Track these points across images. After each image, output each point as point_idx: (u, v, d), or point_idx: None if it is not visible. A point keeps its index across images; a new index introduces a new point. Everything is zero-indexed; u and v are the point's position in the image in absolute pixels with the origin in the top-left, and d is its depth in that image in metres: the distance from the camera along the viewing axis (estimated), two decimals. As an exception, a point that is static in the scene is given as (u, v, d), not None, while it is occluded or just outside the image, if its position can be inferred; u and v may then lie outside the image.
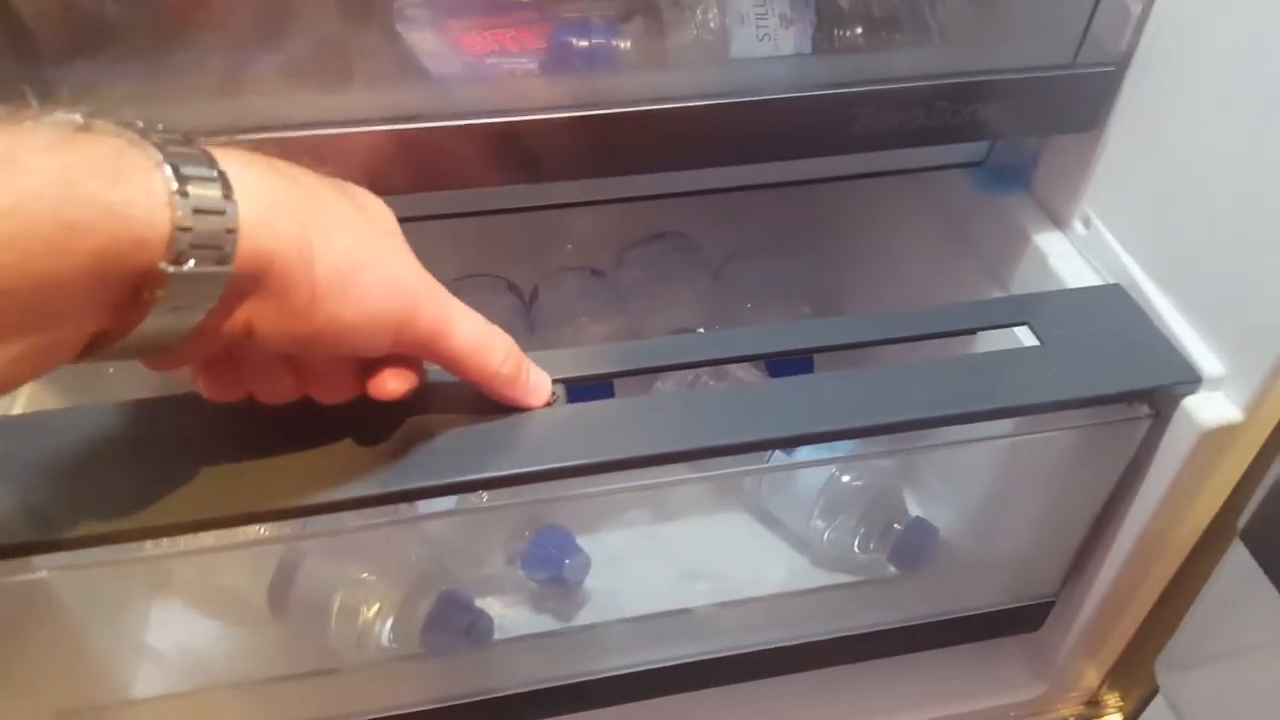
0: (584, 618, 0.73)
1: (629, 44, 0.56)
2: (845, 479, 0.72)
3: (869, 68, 0.56)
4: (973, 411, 0.51)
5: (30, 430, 0.48)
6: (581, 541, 0.73)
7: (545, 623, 0.73)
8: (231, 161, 0.34)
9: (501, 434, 0.49)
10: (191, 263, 0.32)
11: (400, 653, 0.69)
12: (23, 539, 0.44)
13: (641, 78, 0.56)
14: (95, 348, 0.34)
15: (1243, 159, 0.50)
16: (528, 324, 0.92)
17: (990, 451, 0.66)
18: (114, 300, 0.32)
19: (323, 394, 0.44)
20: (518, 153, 0.53)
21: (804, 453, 0.67)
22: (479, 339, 0.46)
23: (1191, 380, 0.52)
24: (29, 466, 0.45)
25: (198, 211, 0.32)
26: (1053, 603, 0.66)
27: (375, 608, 0.70)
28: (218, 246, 0.33)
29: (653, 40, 0.56)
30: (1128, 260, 0.58)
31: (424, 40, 0.54)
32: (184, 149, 0.33)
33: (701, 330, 0.87)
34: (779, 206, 0.79)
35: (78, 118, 0.32)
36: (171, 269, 0.32)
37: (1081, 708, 0.73)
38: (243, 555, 0.70)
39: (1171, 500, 0.54)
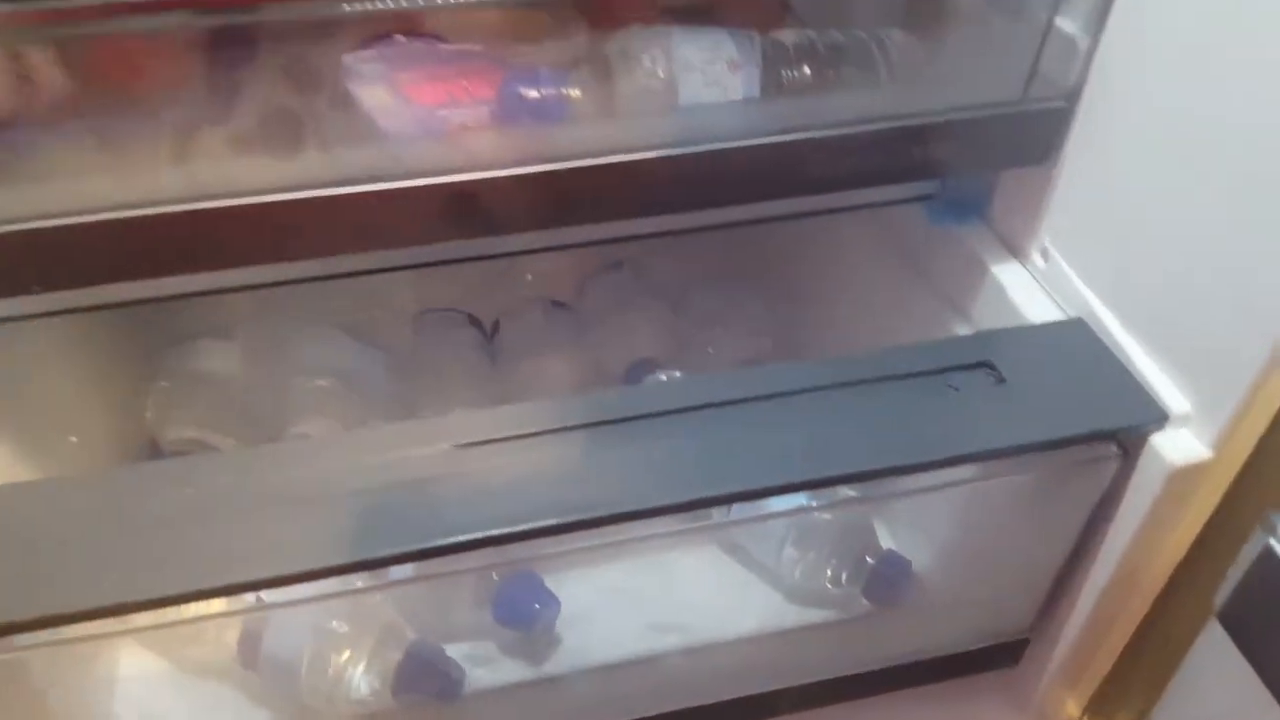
0: (555, 662, 0.72)
1: (578, 92, 0.55)
2: (810, 502, 0.71)
3: (818, 111, 0.55)
4: (936, 460, 0.50)
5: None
6: (550, 582, 0.72)
7: (517, 669, 0.72)
8: None
9: (463, 489, 0.48)
10: None
11: (374, 705, 0.67)
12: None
13: (592, 129, 0.55)
14: None
15: (1196, 190, 0.50)
16: (490, 357, 0.91)
17: (957, 490, 0.66)
18: None
19: None
20: (472, 210, 0.52)
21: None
22: None
23: (1158, 418, 0.52)
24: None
25: None
26: (1028, 639, 0.66)
27: (345, 655, 0.69)
28: None
29: (601, 89, 0.55)
30: (1088, 293, 0.57)
31: (375, 95, 0.53)
32: None
33: (658, 366, 0.86)
34: (736, 240, 0.78)
35: None
36: None
37: (1063, 739, 0.73)
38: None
39: (1143, 537, 0.54)
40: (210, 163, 0.51)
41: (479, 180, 0.51)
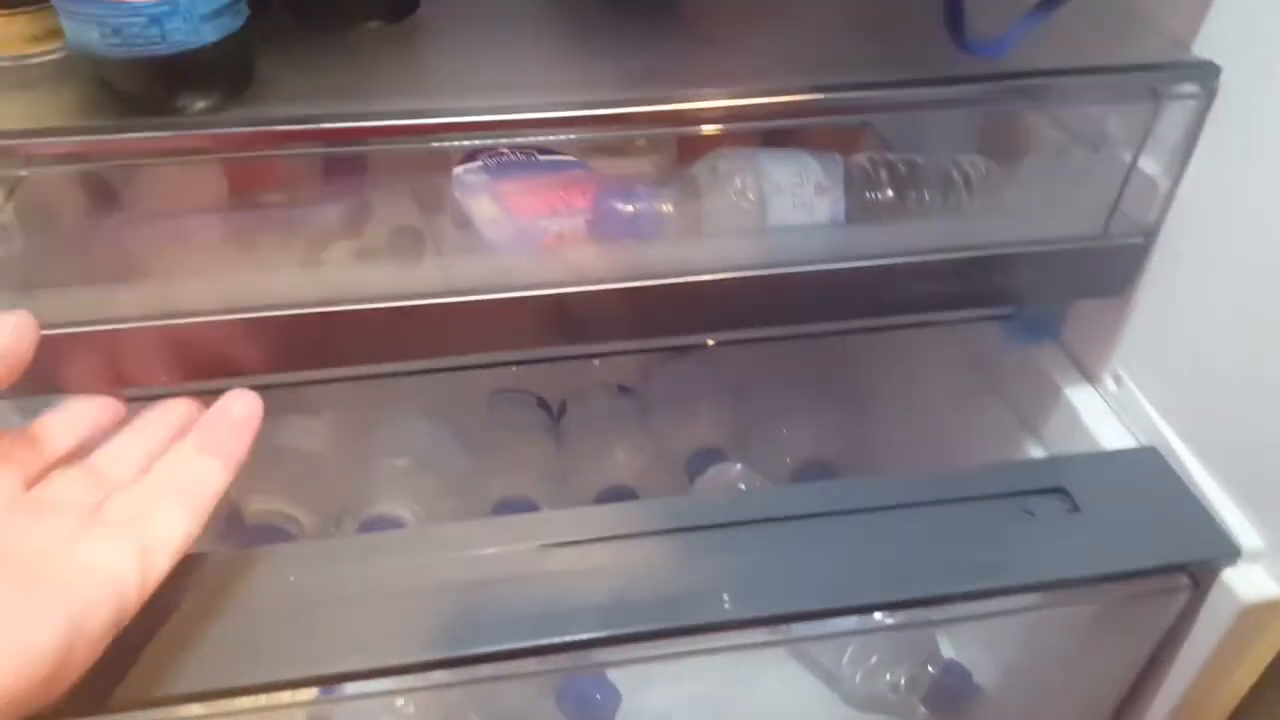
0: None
1: (670, 207, 0.57)
2: (878, 616, 0.72)
3: (901, 236, 0.57)
4: (1009, 586, 0.51)
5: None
6: (612, 673, 0.74)
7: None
8: None
9: (548, 590, 0.50)
10: None
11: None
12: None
13: (683, 246, 0.57)
14: None
15: (1272, 328, 0.51)
16: (556, 439, 0.93)
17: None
18: None
19: None
20: (568, 320, 0.54)
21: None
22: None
23: (1230, 553, 0.53)
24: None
25: None
26: (1090, 762, 0.66)
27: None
28: None
29: (691, 206, 0.57)
30: (1161, 422, 0.59)
31: (481, 206, 0.56)
32: None
33: (721, 457, 0.88)
34: (806, 340, 0.81)
35: None
36: None
37: None
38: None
39: (1209, 671, 0.55)
40: (340, 271, 0.55)
41: (576, 293, 0.53)
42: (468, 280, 0.52)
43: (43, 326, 0.47)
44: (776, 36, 0.57)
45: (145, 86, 0.44)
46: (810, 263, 0.55)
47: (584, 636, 0.48)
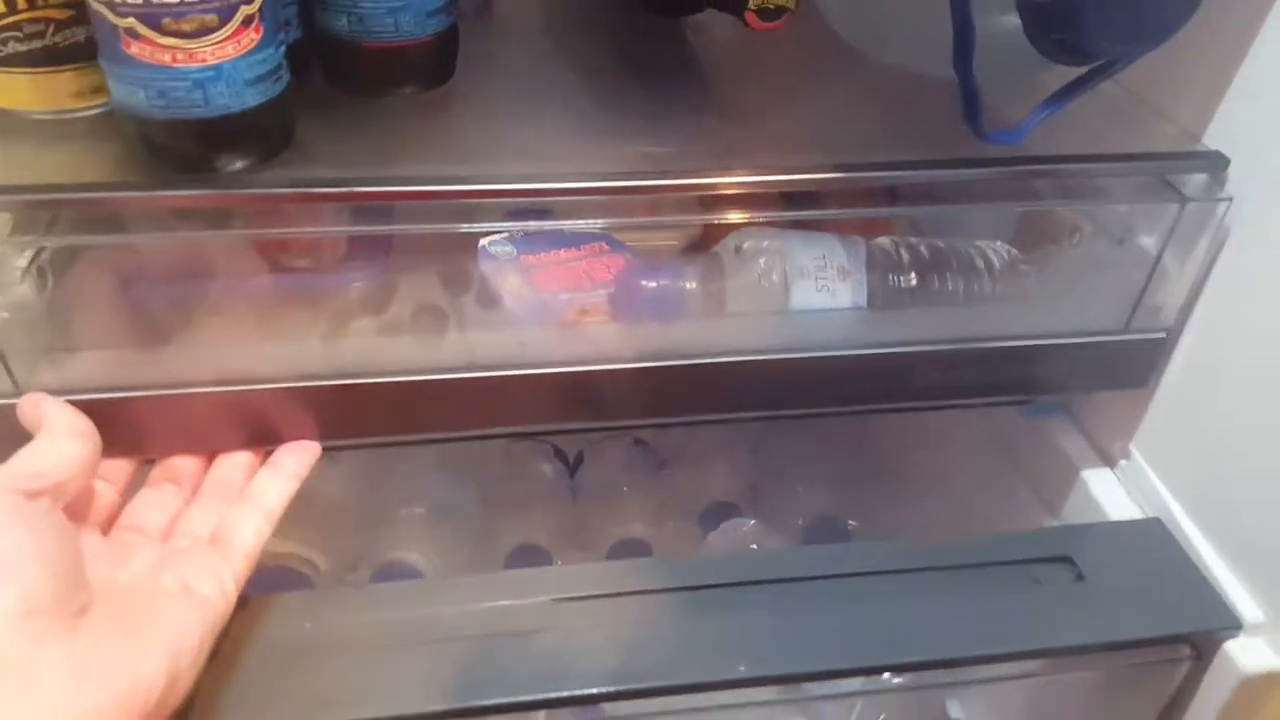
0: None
1: (694, 285, 0.58)
2: (886, 677, 0.72)
3: (924, 324, 0.58)
4: (1014, 652, 0.52)
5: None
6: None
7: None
8: None
9: (559, 644, 0.51)
10: None
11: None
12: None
13: (705, 329, 0.58)
14: None
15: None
16: (572, 491, 0.94)
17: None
18: None
19: None
20: (590, 398, 0.55)
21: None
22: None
23: (1232, 625, 0.53)
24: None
25: None
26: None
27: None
28: None
29: (714, 284, 0.58)
30: (1166, 495, 0.59)
31: (505, 279, 0.58)
32: None
33: (734, 511, 0.88)
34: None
35: None
36: None
37: None
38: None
39: (1211, 742, 0.55)
40: (363, 345, 0.56)
41: (597, 371, 0.54)
42: (489, 355, 0.54)
43: (61, 390, 0.48)
44: (802, 116, 0.59)
45: (186, 146, 0.45)
46: (832, 348, 0.56)
47: (594, 691, 0.49)
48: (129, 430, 0.51)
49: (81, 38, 0.47)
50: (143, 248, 0.57)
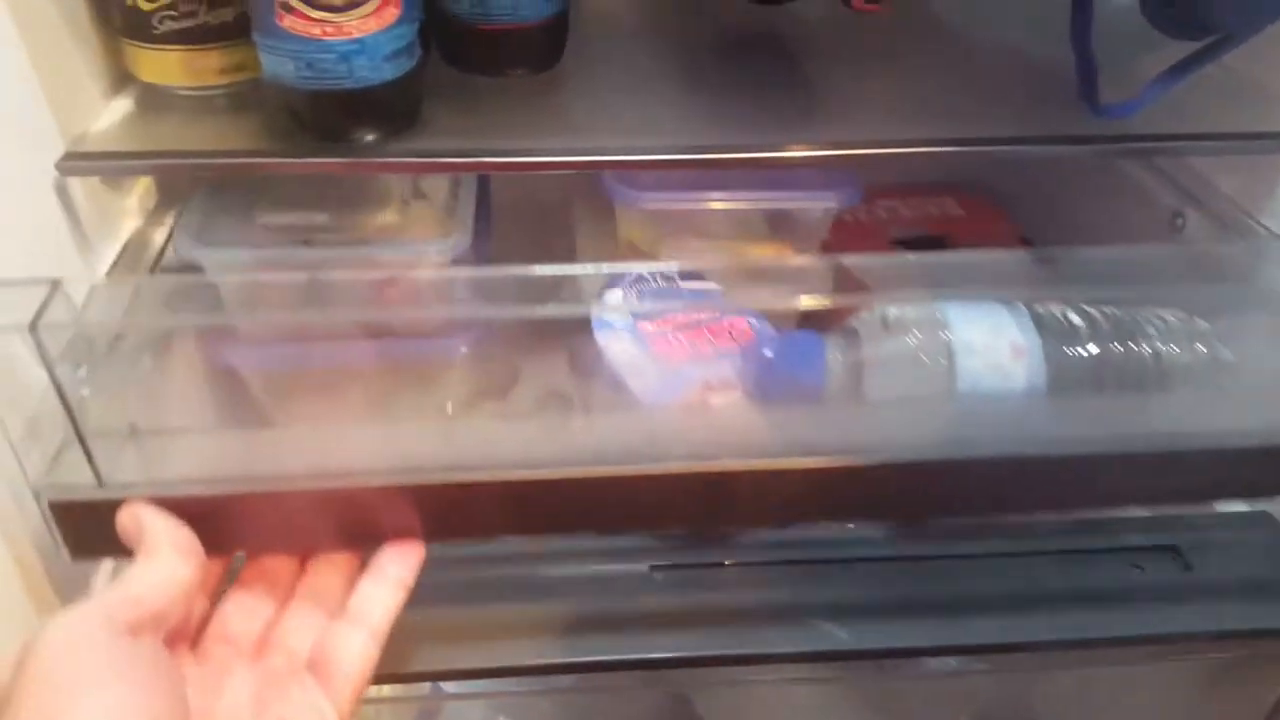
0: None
1: (835, 359, 0.50)
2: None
3: (1120, 413, 0.49)
4: (1115, 637, 0.52)
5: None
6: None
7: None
8: None
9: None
10: None
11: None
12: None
13: (848, 417, 0.50)
14: None
15: None
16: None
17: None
18: None
19: None
20: (713, 501, 0.49)
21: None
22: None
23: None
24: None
25: None
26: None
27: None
28: None
29: (855, 359, 0.50)
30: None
31: (623, 350, 0.54)
32: None
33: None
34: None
35: None
36: None
37: None
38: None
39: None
40: (476, 436, 0.51)
41: (728, 472, 0.47)
42: (611, 447, 0.48)
43: (147, 484, 0.44)
44: (906, 94, 0.59)
45: (328, 117, 0.48)
46: (1012, 440, 0.46)
47: (686, 655, 0.51)
48: (221, 527, 0.45)
49: (230, 17, 0.51)
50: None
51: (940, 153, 0.52)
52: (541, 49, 0.58)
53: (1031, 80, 0.54)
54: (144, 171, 0.56)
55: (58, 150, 0.49)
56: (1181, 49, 0.50)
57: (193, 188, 0.59)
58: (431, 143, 0.51)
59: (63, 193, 0.49)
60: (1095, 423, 0.48)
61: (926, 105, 0.57)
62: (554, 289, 0.42)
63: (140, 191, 0.57)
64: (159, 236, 0.57)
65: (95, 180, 0.52)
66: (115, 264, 0.54)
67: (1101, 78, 0.50)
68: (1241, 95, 0.58)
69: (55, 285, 0.40)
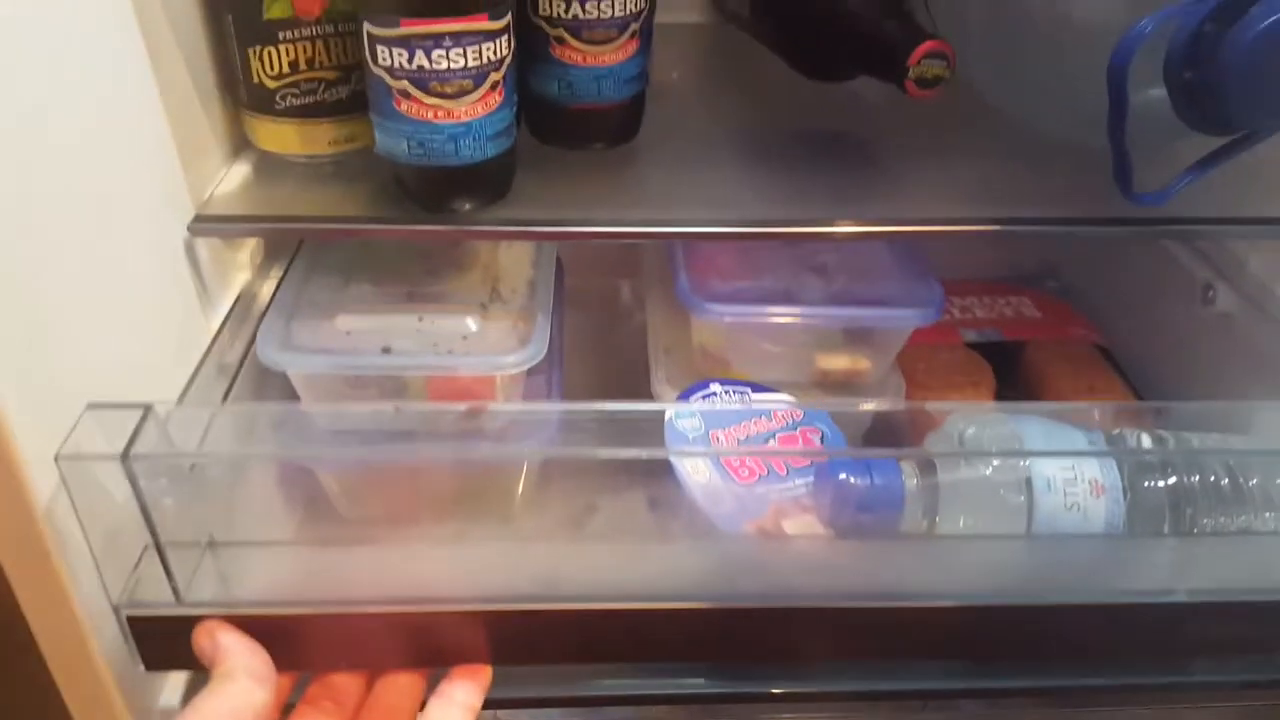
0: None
1: (915, 483, 0.49)
2: None
3: (1202, 560, 0.47)
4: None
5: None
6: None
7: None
8: None
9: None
10: None
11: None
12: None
13: (922, 552, 0.49)
14: None
15: None
16: None
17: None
18: None
19: None
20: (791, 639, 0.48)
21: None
22: None
23: None
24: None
25: None
26: None
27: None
28: None
29: (929, 493, 0.49)
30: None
31: (696, 470, 0.54)
32: None
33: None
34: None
35: None
36: None
37: None
38: None
39: None
40: (548, 563, 0.51)
41: (802, 609, 0.47)
42: (682, 580, 0.49)
43: (223, 603, 0.46)
44: (958, 175, 0.62)
45: (433, 189, 0.54)
46: (1095, 584, 0.46)
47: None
48: (293, 646, 0.46)
49: (344, 94, 0.56)
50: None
51: (990, 231, 0.56)
52: (620, 125, 0.63)
53: (1076, 165, 0.57)
54: (261, 234, 0.61)
55: (188, 213, 0.54)
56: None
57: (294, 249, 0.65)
58: (518, 212, 0.56)
59: (190, 251, 0.55)
60: (1179, 569, 0.47)
61: (982, 186, 0.60)
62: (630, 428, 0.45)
63: (251, 246, 0.62)
64: (266, 290, 0.62)
65: (216, 239, 0.57)
66: (229, 315, 0.59)
67: (1137, 163, 0.54)
68: (1273, 180, 0.61)
69: (147, 411, 0.42)
